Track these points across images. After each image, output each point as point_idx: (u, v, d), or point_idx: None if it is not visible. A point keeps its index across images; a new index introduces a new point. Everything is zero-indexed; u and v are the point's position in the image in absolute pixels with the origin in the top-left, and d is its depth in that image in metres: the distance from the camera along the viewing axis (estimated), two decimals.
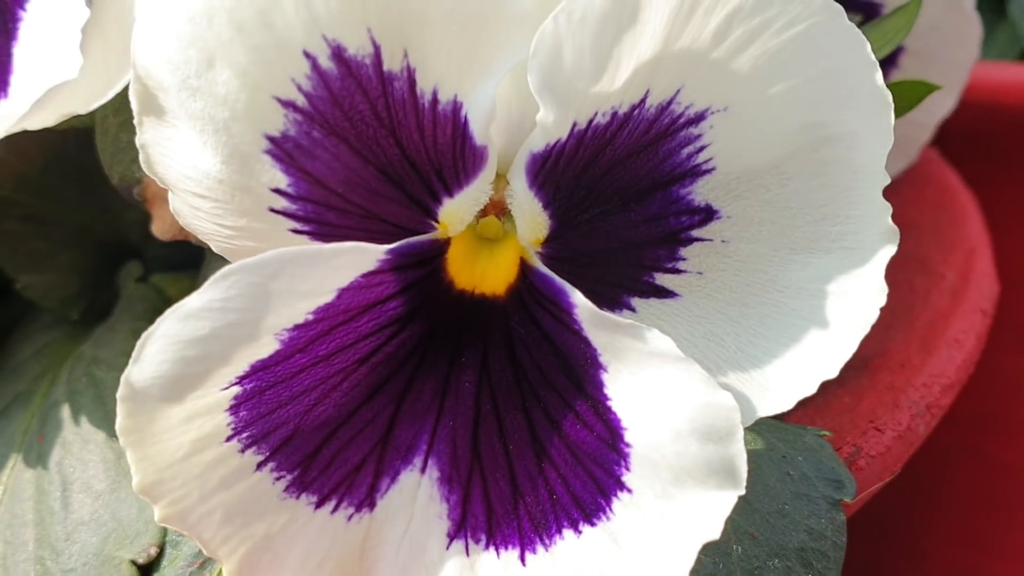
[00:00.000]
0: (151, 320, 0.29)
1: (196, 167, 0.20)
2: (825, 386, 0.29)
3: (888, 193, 0.40)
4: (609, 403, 0.20)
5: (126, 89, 0.25)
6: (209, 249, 0.28)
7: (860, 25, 0.32)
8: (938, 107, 0.39)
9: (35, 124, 0.25)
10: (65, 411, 0.29)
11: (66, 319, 0.32)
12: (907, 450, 0.26)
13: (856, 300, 0.20)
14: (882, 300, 0.20)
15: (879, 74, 0.19)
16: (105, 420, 0.29)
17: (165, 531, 0.26)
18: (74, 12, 0.24)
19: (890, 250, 0.20)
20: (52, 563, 0.27)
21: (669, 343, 0.20)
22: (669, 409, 0.20)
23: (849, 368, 0.29)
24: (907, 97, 0.28)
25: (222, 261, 0.27)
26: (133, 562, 0.27)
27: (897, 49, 0.38)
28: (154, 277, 0.31)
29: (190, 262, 0.32)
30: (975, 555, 0.65)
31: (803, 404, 0.29)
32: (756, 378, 0.21)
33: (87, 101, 0.25)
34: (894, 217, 0.38)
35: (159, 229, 0.26)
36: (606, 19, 0.20)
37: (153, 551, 0.27)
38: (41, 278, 0.31)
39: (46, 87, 0.25)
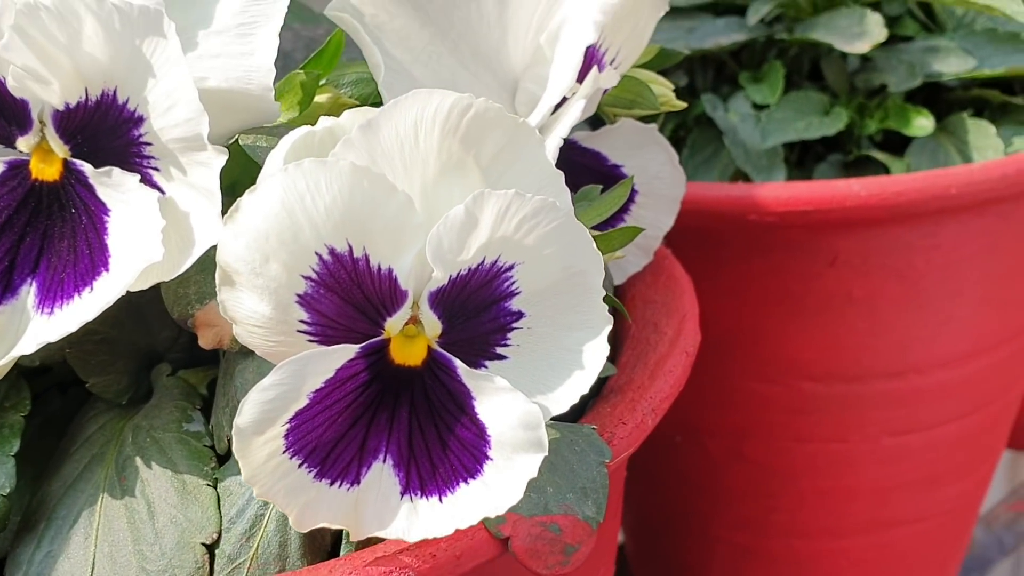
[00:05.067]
0: (185, 399, 0.46)
1: (255, 311, 0.37)
2: (599, 404, 0.48)
3: (637, 279, 0.60)
4: (478, 416, 0.38)
5: None
6: (223, 353, 0.45)
7: (602, 191, 0.52)
8: (663, 225, 0.59)
9: (134, 288, 0.41)
10: (138, 461, 0.44)
11: (118, 405, 0.48)
12: (640, 436, 0.46)
13: (594, 354, 0.39)
14: (606, 353, 0.39)
15: (593, 243, 0.39)
16: (169, 464, 0.42)
17: (220, 523, 0.43)
18: (154, 220, 0.41)
19: (608, 328, 0.39)
20: (148, 551, 0.40)
21: (505, 382, 0.38)
22: (507, 416, 0.38)
23: (610, 392, 0.49)
24: (627, 234, 0.48)
25: (238, 360, 0.44)
26: (203, 543, 0.40)
27: (634, 192, 0.58)
28: (180, 372, 0.48)
29: (201, 361, 0.49)
30: (750, 536, 0.83)
31: (585, 414, 0.48)
32: (549, 396, 0.39)
33: (166, 274, 0.42)
34: (642, 296, 0.59)
35: (204, 342, 0.43)
36: (463, 226, 0.38)
37: (215, 535, 0.40)
38: (104, 379, 0.46)
39: (144, 265, 0.38)
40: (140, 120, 0.40)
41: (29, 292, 0.42)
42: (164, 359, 0.48)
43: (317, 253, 0.36)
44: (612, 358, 0.53)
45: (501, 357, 0.39)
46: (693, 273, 0.73)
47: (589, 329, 0.39)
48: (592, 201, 0.48)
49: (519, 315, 0.39)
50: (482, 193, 0.37)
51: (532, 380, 0.39)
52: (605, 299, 0.46)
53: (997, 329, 0.75)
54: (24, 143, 0.43)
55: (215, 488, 0.42)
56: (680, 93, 0.80)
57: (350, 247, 0.36)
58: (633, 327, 0.54)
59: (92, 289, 0.41)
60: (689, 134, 0.78)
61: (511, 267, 0.38)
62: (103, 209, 0.42)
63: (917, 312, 0.72)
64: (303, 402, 0.37)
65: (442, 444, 0.38)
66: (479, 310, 0.38)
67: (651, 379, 0.46)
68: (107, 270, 0.41)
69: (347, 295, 0.37)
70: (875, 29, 0.73)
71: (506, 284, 0.38)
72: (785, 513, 0.82)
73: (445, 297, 0.38)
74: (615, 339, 0.55)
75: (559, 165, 0.55)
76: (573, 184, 0.56)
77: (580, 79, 0.49)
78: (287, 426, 0.37)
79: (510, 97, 0.50)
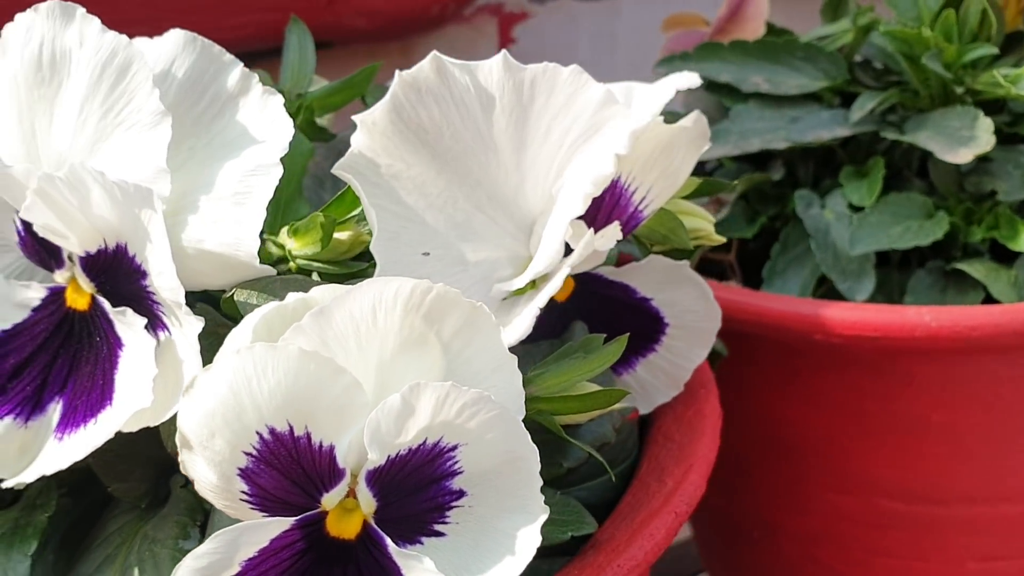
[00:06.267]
0: (190, 515, 0.50)
1: (205, 477, 0.40)
2: (575, 560, 0.49)
3: (668, 409, 0.60)
4: None
5: None
6: None
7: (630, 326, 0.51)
8: (695, 357, 0.58)
9: (125, 429, 0.46)
10: (135, 572, 0.49)
11: (137, 507, 0.53)
12: None
13: (527, 540, 0.40)
14: (539, 540, 0.40)
15: (527, 435, 0.40)
16: None
17: None
18: (149, 367, 0.45)
19: (544, 516, 0.40)
20: None
21: (431, 565, 0.39)
22: None
23: (591, 546, 0.49)
24: (612, 396, 0.47)
25: None
26: None
27: (665, 324, 0.57)
28: (191, 485, 0.52)
29: None
30: None
31: (566, 566, 0.48)
32: None
33: (155, 419, 0.46)
34: (664, 431, 0.58)
35: None
36: (400, 414, 0.40)
37: None
38: (124, 485, 0.51)
39: (135, 409, 0.43)
40: (145, 273, 0.44)
41: (55, 410, 0.47)
42: (179, 469, 0.52)
43: (258, 432, 0.38)
44: (618, 496, 0.53)
45: (439, 534, 0.40)
46: (767, 378, 0.71)
47: (526, 514, 0.40)
48: (590, 353, 0.48)
49: (460, 494, 0.40)
50: (417, 384, 0.38)
51: (465, 560, 0.40)
52: (590, 456, 0.47)
53: None
54: (60, 275, 0.47)
55: None
56: (778, 185, 0.78)
57: (291, 427, 0.38)
58: (644, 466, 0.54)
59: (96, 421, 0.45)
60: (784, 227, 0.76)
61: (454, 447, 0.39)
62: (119, 343, 0.45)
63: (1005, 441, 0.68)
64: (235, 569, 0.39)
65: None
66: (418, 488, 0.40)
67: (629, 542, 0.46)
68: (111, 404, 0.45)
69: (286, 471, 0.39)
70: (984, 136, 0.68)
71: (448, 463, 0.40)
72: None
73: (382, 476, 0.40)
74: (630, 472, 0.55)
75: (581, 299, 0.55)
76: (599, 316, 0.56)
77: (591, 222, 0.49)
78: None
79: (526, 238, 0.51)
